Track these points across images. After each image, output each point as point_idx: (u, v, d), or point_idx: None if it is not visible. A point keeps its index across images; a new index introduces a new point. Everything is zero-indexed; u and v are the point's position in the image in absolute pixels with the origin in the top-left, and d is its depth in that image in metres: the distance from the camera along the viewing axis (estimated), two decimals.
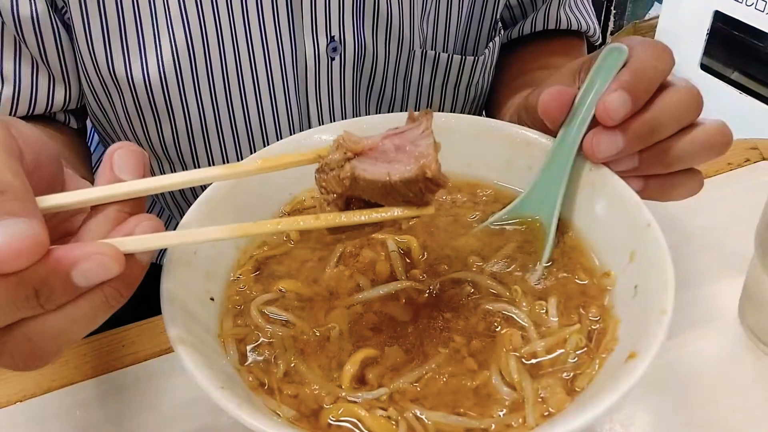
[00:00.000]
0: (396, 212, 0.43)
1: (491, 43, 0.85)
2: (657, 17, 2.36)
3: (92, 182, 0.42)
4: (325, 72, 0.75)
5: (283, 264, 0.53)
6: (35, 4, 0.66)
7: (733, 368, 0.58)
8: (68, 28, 0.69)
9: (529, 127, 0.58)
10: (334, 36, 0.73)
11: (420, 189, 0.42)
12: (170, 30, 0.69)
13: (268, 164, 0.45)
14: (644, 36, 2.38)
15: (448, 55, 0.81)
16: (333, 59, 0.74)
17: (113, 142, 0.82)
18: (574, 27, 0.88)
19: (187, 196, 0.85)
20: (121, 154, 0.41)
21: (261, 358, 0.47)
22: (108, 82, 0.72)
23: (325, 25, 0.72)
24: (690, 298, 0.63)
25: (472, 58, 0.83)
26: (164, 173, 0.81)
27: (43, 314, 0.35)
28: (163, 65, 0.70)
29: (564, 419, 0.41)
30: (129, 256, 0.37)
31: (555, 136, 0.54)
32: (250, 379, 0.45)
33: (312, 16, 0.71)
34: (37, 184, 0.37)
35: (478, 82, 0.86)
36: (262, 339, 0.48)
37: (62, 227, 0.43)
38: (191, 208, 0.50)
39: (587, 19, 0.90)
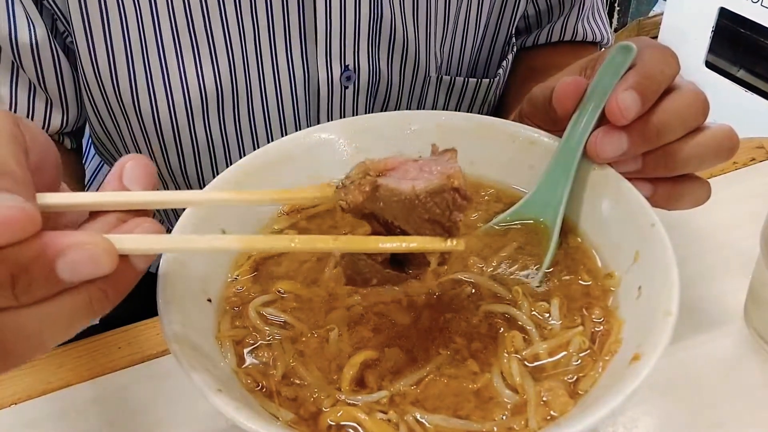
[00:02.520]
0: (421, 243, 0.41)
1: (504, 61, 0.84)
2: (661, 14, 2.35)
3: None
4: (337, 99, 0.74)
5: (282, 265, 0.53)
6: (35, 31, 0.64)
7: (739, 370, 0.58)
8: (69, 52, 0.68)
9: (527, 118, 0.58)
10: (348, 65, 0.71)
11: (447, 203, 0.40)
12: (180, 64, 0.67)
13: (284, 196, 0.45)
14: (649, 33, 2.38)
15: (464, 79, 0.80)
16: (347, 87, 0.73)
17: (113, 161, 0.82)
18: (590, 38, 0.87)
19: None
20: (132, 166, 0.39)
21: (259, 360, 0.46)
22: (114, 107, 0.70)
23: (340, 53, 0.71)
24: (695, 299, 0.62)
25: (488, 80, 0.82)
26: None
27: (17, 308, 0.32)
28: (172, 97, 0.69)
29: (567, 422, 0.40)
30: (123, 258, 0.35)
31: (555, 129, 0.53)
32: (248, 381, 0.45)
33: (327, 44, 0.70)
34: (37, 186, 0.35)
35: (491, 100, 0.85)
36: (260, 341, 0.47)
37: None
38: (188, 209, 0.50)
39: (602, 30, 0.89)
